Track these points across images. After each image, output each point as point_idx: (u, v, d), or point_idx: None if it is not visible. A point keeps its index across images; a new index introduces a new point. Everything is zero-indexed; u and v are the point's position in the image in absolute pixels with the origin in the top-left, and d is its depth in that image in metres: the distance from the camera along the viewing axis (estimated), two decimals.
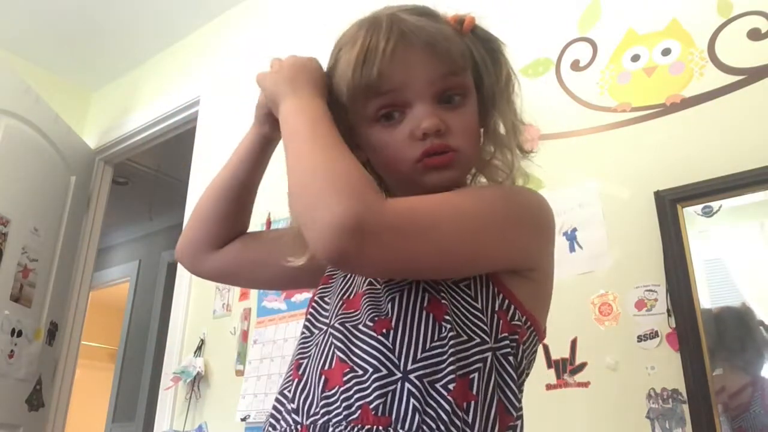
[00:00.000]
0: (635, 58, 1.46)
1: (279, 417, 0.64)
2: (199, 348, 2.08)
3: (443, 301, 0.62)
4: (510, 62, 0.73)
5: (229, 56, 2.52)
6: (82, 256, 2.75)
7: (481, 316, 0.62)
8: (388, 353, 0.59)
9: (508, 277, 0.65)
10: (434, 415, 0.57)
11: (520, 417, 0.62)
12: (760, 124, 1.26)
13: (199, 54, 2.70)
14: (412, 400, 0.57)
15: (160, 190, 3.90)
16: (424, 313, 0.61)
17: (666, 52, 1.42)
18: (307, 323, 0.70)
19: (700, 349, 1.17)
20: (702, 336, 1.18)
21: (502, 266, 0.65)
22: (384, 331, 0.61)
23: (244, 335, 1.97)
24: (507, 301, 0.64)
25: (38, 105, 2.50)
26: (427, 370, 0.58)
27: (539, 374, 1.32)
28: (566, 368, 1.32)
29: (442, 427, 0.56)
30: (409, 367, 0.59)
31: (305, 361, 0.66)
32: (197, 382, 2.02)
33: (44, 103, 2.54)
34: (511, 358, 0.62)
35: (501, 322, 0.63)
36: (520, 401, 0.62)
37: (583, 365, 1.31)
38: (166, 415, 2.08)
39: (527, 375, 0.69)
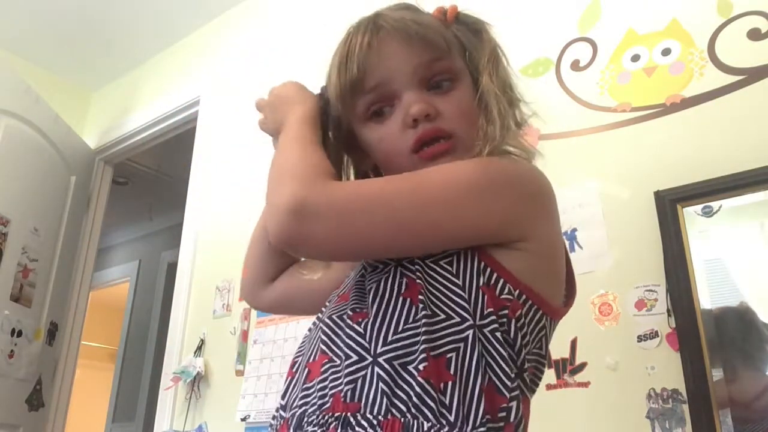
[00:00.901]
0: (635, 58, 1.46)
1: (275, 415, 0.65)
2: (199, 348, 2.08)
3: (418, 281, 0.60)
4: (495, 40, 0.73)
5: (229, 56, 2.52)
6: (82, 256, 2.75)
7: (460, 292, 0.59)
8: (360, 340, 0.59)
9: (496, 249, 0.62)
10: (404, 397, 0.55)
11: (516, 398, 0.57)
12: (760, 124, 1.26)
13: (199, 54, 2.70)
14: (380, 383, 0.55)
15: (160, 190, 3.90)
16: (401, 298, 0.60)
17: (666, 52, 1.42)
18: (311, 324, 0.71)
19: (700, 349, 1.17)
20: (702, 336, 1.18)
21: (476, 239, 0.61)
22: (359, 319, 0.61)
23: (244, 335, 1.97)
24: (495, 275, 0.61)
25: (38, 105, 2.50)
26: (398, 352, 0.57)
27: None
28: (566, 368, 1.32)
29: (413, 410, 0.54)
30: (379, 350, 0.57)
31: (300, 359, 0.67)
32: (197, 382, 2.02)
33: (44, 103, 2.54)
34: (499, 334, 0.58)
35: (486, 297, 0.59)
36: (514, 381, 0.57)
37: (583, 365, 1.31)
38: (166, 415, 2.08)
39: (540, 356, 0.65)
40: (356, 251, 0.63)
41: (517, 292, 0.61)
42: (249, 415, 1.81)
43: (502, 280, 0.61)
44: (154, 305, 4.30)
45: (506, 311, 0.60)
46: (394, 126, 0.67)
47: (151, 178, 3.83)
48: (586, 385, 1.29)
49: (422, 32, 0.67)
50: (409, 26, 0.67)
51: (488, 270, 0.61)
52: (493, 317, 0.59)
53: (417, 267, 0.62)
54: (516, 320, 0.60)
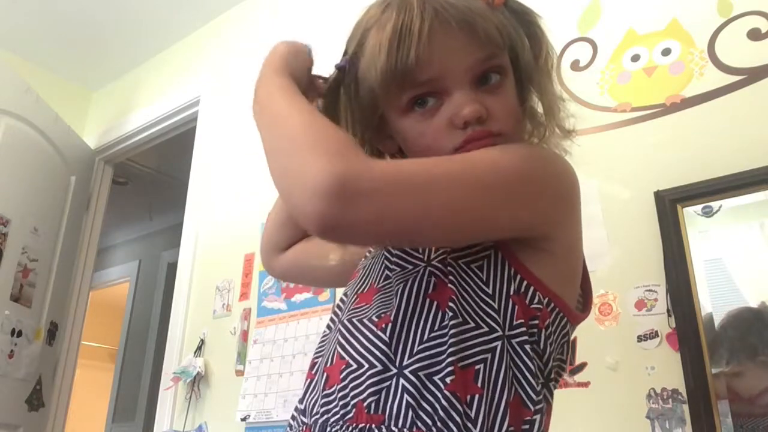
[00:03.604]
0: (635, 58, 1.46)
1: (295, 415, 0.64)
2: (199, 348, 2.08)
3: (450, 285, 0.58)
4: (547, 36, 0.68)
5: (229, 56, 2.52)
6: (82, 256, 2.75)
7: (491, 302, 0.58)
8: (384, 348, 0.57)
9: (524, 252, 0.60)
10: (430, 410, 0.53)
11: (540, 411, 0.56)
12: (760, 124, 1.26)
13: (199, 54, 2.70)
14: (406, 396, 0.54)
15: (160, 190, 3.90)
16: (428, 301, 0.58)
17: (666, 52, 1.42)
18: (329, 321, 0.69)
19: (700, 349, 1.17)
20: (702, 336, 1.18)
21: (512, 230, 0.59)
22: (384, 325, 0.58)
23: (244, 335, 1.97)
24: (525, 283, 0.59)
25: (38, 105, 2.50)
26: (424, 363, 0.55)
27: None
28: (566, 368, 1.32)
29: (439, 423, 0.53)
30: (405, 362, 0.56)
31: (319, 360, 0.65)
32: (197, 382, 2.02)
33: (44, 103, 2.54)
34: (527, 346, 0.57)
35: (516, 308, 0.58)
36: (539, 393, 0.56)
37: (583, 365, 1.31)
38: (166, 415, 2.08)
39: (561, 361, 0.63)
40: (401, 236, 0.55)
41: (546, 300, 0.60)
42: (249, 415, 1.81)
43: (532, 288, 0.59)
44: (154, 305, 4.30)
45: (536, 321, 0.58)
46: (439, 123, 0.62)
47: (151, 178, 3.83)
48: (586, 385, 1.29)
49: (485, 27, 0.61)
50: (470, 16, 0.60)
51: (518, 277, 0.59)
52: (523, 328, 0.57)
53: (451, 270, 0.59)
54: (545, 329, 0.59)
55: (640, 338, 1.26)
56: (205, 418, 1.98)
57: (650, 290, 1.28)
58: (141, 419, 4.01)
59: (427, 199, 0.53)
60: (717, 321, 1.19)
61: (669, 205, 1.28)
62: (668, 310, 1.24)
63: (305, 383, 0.65)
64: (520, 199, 0.58)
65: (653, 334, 1.25)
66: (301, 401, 0.63)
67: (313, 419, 0.60)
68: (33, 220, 2.39)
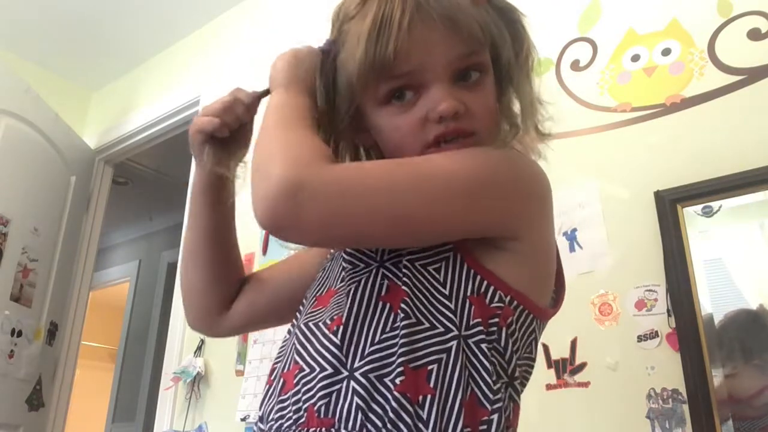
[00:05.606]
0: (635, 58, 1.46)
1: (256, 423, 0.64)
2: (199, 348, 2.08)
3: (403, 287, 0.57)
4: (530, 35, 0.68)
5: (229, 56, 2.52)
6: (82, 256, 2.75)
7: (447, 302, 0.57)
8: (335, 351, 0.56)
9: (486, 253, 0.60)
10: (380, 411, 0.53)
11: (498, 410, 0.55)
12: (760, 124, 1.26)
13: (199, 54, 2.69)
14: (356, 398, 0.53)
15: (160, 190, 3.90)
16: (380, 303, 0.57)
17: (666, 52, 1.42)
18: (289, 326, 0.68)
19: (700, 349, 1.18)
20: (702, 336, 1.18)
21: (472, 233, 0.59)
22: (335, 328, 0.58)
23: (244, 335, 1.97)
24: (485, 283, 0.58)
25: (38, 105, 2.50)
26: (375, 365, 0.54)
27: (539, 374, 1.32)
28: (566, 368, 1.32)
29: (389, 425, 0.52)
30: (356, 364, 0.55)
31: (278, 365, 0.64)
32: (197, 382, 2.02)
33: (44, 103, 2.54)
34: (484, 345, 0.56)
35: (473, 308, 0.57)
36: (497, 393, 0.55)
37: (583, 365, 1.31)
38: (166, 415, 2.08)
39: (530, 359, 0.63)
40: (351, 238, 0.58)
41: (508, 298, 0.59)
42: (249, 415, 1.81)
43: (492, 288, 0.59)
44: (154, 305, 4.29)
45: (497, 320, 0.58)
46: (415, 117, 0.61)
47: (151, 178, 3.83)
48: (586, 385, 1.29)
49: (467, 22, 0.60)
50: (453, 11, 0.60)
51: (477, 277, 0.59)
52: (481, 327, 0.57)
53: (405, 272, 0.59)
54: (507, 327, 0.58)
55: (640, 338, 1.26)
56: (205, 418, 1.98)
57: (650, 290, 1.28)
58: (141, 419, 4.01)
59: (378, 205, 0.55)
60: (717, 321, 1.19)
61: (669, 205, 1.28)
62: (668, 310, 1.24)
63: (264, 389, 0.64)
64: (481, 204, 0.58)
65: (653, 334, 1.25)
66: (260, 407, 0.63)
67: (268, 425, 0.59)
68: (33, 220, 2.39)
